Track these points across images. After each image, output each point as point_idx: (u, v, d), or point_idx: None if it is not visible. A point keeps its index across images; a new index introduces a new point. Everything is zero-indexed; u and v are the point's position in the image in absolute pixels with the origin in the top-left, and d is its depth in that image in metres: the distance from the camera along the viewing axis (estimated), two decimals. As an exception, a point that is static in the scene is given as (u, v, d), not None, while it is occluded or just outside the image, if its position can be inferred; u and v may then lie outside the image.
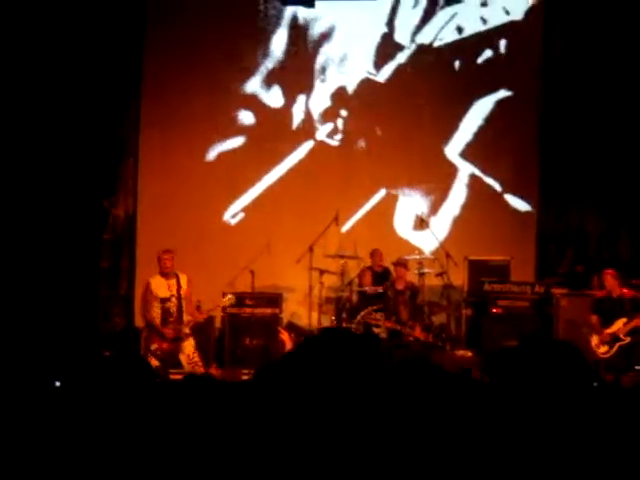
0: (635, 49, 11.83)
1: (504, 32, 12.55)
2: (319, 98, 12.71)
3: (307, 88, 12.72)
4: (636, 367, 9.68)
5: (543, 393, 2.99)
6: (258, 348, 11.13)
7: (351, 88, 12.71)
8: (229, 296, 10.28)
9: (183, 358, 9.72)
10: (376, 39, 12.65)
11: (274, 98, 12.69)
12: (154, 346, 9.65)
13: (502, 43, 12.55)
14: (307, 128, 12.73)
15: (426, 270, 11.38)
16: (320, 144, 12.71)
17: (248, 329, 11.23)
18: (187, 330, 9.76)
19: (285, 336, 9.96)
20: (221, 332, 11.38)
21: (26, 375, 3.93)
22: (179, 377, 8.75)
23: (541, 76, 12.40)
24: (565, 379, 3.01)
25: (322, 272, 11.51)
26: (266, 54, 12.66)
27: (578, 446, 2.92)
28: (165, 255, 9.88)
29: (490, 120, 12.62)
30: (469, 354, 10.90)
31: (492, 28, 12.52)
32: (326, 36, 12.66)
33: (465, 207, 12.60)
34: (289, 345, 9.71)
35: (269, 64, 12.67)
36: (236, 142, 12.64)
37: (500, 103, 12.60)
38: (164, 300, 9.76)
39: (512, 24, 12.51)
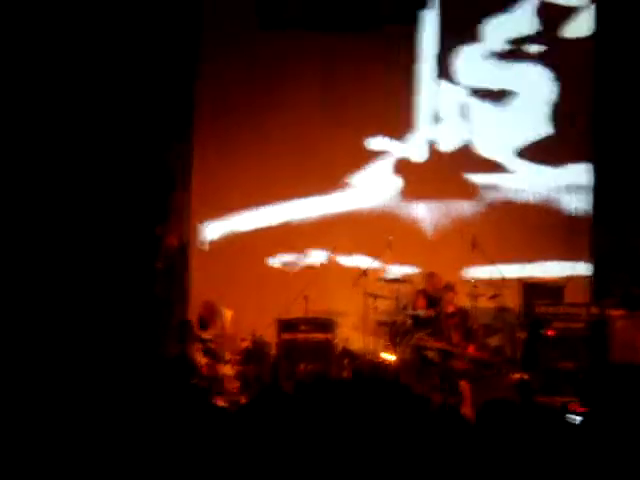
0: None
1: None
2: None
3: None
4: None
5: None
6: (313, 373, 11.13)
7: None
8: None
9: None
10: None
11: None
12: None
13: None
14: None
15: (479, 292, 11.33)
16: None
17: (303, 355, 11.22)
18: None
19: None
20: (276, 358, 11.41)
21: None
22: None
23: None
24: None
25: (376, 297, 11.52)
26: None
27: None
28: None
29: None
30: (526, 377, 10.79)
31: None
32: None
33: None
34: None
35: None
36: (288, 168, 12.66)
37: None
38: (204, 341, 9.88)
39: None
